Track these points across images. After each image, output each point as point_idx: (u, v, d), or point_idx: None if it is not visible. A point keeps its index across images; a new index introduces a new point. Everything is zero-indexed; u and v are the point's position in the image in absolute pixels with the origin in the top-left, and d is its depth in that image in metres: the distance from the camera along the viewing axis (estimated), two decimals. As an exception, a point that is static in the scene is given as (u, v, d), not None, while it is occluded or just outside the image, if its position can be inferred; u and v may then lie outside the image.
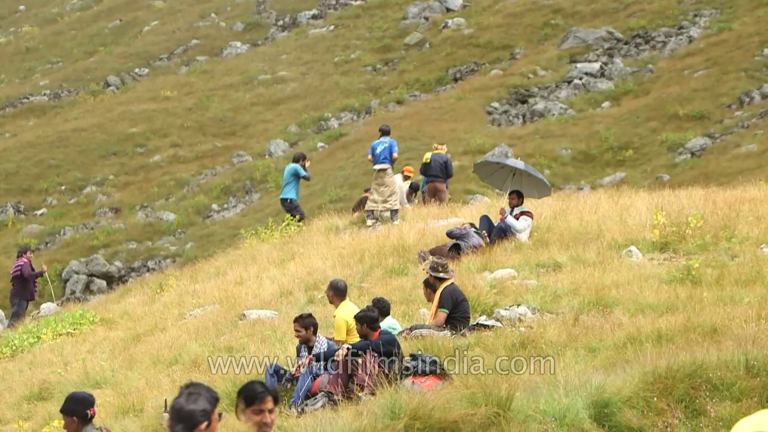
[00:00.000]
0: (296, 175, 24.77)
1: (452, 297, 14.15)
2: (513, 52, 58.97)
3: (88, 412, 9.63)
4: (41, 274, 26.35)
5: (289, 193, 24.97)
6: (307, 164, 25.24)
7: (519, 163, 20.56)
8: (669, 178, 38.48)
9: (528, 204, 20.10)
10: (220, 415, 6.50)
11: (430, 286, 14.58)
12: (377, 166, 23.30)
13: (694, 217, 17.67)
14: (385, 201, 23.11)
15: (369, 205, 23.28)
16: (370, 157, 23.74)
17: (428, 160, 25.14)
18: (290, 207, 25.08)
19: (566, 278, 16.06)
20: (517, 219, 19.20)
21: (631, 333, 12.55)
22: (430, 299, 14.61)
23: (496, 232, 19.16)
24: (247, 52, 70.82)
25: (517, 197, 19.55)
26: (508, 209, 19.54)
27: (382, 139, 23.70)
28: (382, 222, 22.91)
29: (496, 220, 19.55)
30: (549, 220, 20.25)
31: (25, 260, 25.90)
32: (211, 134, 58.40)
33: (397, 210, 23.13)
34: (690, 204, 19.92)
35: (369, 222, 22.89)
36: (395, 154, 23.55)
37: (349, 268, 18.83)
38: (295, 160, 25.10)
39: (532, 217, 19.36)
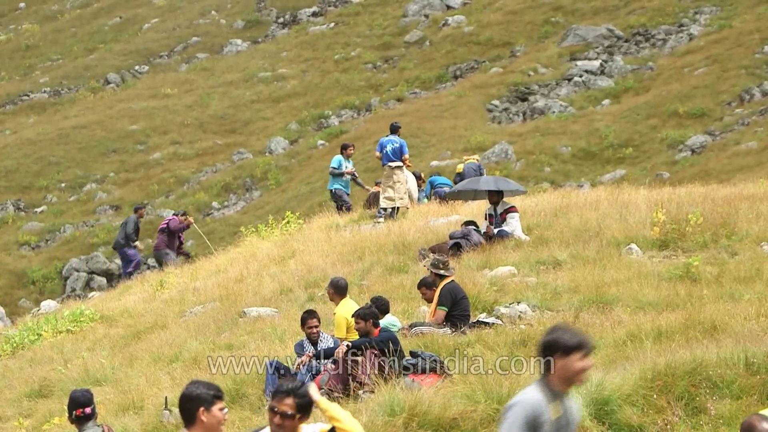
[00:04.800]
0: (339, 165, 24.76)
1: (451, 295, 14.16)
2: (513, 50, 58.96)
3: (74, 412, 9.72)
4: (188, 227, 27.21)
5: (332, 184, 25.19)
6: (350, 151, 24.99)
7: (490, 184, 20.07)
8: (669, 175, 38.46)
9: (516, 200, 20.02)
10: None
11: (428, 285, 14.59)
12: (393, 164, 23.16)
13: (694, 214, 17.67)
14: (401, 198, 23.15)
15: (385, 203, 23.15)
16: (378, 154, 23.62)
17: (461, 170, 25.06)
18: (332, 198, 25.24)
19: (566, 276, 16.06)
20: (504, 219, 19.11)
21: (631, 330, 12.56)
22: (428, 299, 14.62)
23: (496, 235, 19.11)
24: (247, 49, 70.81)
25: (496, 195, 19.47)
26: (489, 207, 19.43)
27: (391, 137, 23.49)
28: (385, 219, 22.89)
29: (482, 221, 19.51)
30: (549, 218, 20.24)
31: (175, 217, 26.90)
32: (211, 131, 58.39)
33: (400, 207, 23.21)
34: (690, 201, 19.92)
35: (380, 220, 22.81)
36: (406, 156, 23.49)
37: (349, 265, 18.83)
38: (341, 150, 25.15)
39: (516, 211, 19.30)
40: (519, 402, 6.57)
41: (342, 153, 24.85)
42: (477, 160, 26.06)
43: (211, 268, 23.28)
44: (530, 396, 6.60)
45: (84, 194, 53.43)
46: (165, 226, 27.00)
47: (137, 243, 27.70)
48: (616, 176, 40.26)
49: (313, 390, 6.69)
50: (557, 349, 6.59)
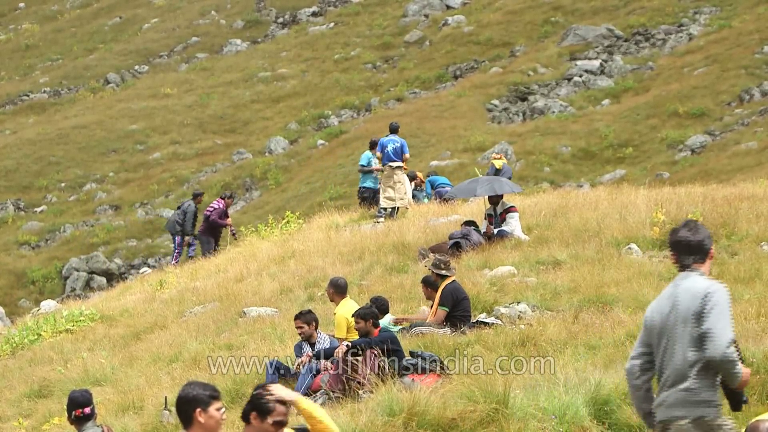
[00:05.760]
0: (368, 163, 24.66)
1: (453, 295, 14.16)
2: (513, 50, 58.96)
3: (74, 413, 9.73)
4: (225, 226, 26.69)
5: (362, 182, 25.18)
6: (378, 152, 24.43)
7: (492, 188, 19.88)
8: (669, 175, 38.47)
9: (517, 200, 20.01)
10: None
11: (430, 284, 14.59)
12: (393, 164, 23.13)
13: (693, 214, 17.67)
14: (402, 198, 23.15)
15: (386, 203, 23.14)
16: (379, 154, 23.59)
17: (501, 167, 25.05)
18: (360, 196, 25.22)
19: (566, 276, 16.06)
20: (504, 219, 19.11)
21: (630, 330, 12.55)
22: (430, 297, 14.62)
23: (496, 235, 19.11)
24: (247, 49, 70.81)
25: (496, 195, 19.46)
26: (489, 207, 19.42)
27: (392, 137, 23.46)
28: (385, 219, 22.89)
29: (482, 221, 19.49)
30: (549, 218, 20.24)
31: (221, 205, 26.34)
32: (211, 131, 58.39)
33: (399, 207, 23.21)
34: (690, 201, 19.92)
35: (380, 220, 22.80)
36: (407, 156, 23.46)
37: (349, 265, 18.83)
38: (370, 147, 25.01)
39: (516, 211, 19.31)
40: (718, 287, 6.87)
41: (371, 149, 24.72)
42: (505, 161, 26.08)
43: (210, 268, 23.28)
44: (714, 282, 6.96)
45: (84, 194, 53.43)
46: (209, 213, 26.49)
47: (187, 238, 27.37)
48: (615, 176, 40.27)
49: (285, 392, 6.67)
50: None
